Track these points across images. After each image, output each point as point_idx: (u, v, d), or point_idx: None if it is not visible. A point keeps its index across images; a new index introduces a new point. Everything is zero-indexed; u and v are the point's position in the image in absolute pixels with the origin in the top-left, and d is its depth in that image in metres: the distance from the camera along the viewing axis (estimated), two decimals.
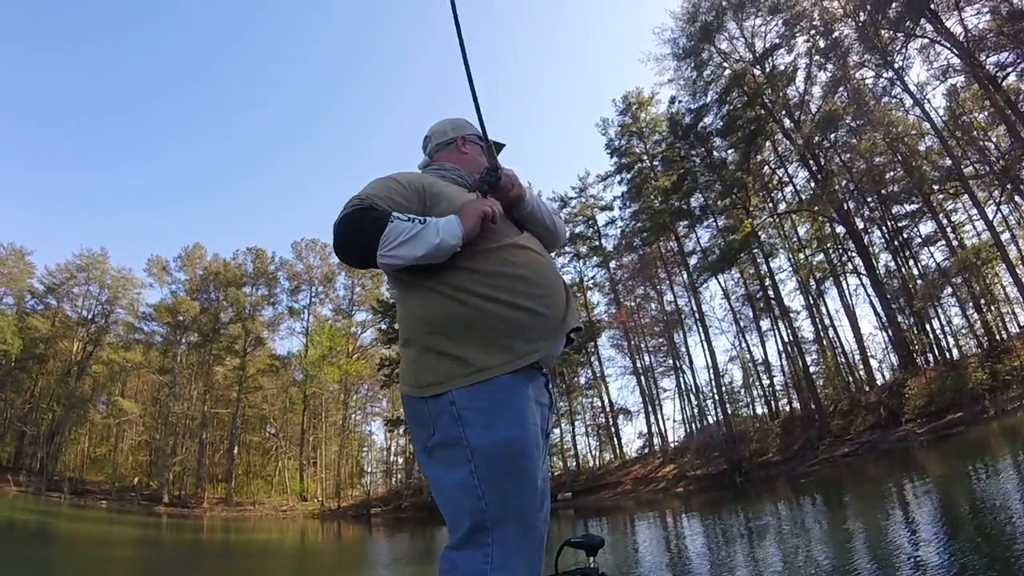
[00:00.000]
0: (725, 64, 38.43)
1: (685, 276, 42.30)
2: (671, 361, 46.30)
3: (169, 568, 16.10)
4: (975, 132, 30.85)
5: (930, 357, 32.81)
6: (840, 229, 36.38)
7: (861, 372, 37.03)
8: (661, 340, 47.43)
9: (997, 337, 30.53)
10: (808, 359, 36.18)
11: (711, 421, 40.87)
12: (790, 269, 39.17)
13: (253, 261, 61.86)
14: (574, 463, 48.37)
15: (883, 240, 36.41)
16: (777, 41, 35.73)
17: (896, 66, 30.15)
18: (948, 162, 29.54)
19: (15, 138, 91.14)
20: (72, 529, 26.46)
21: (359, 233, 1.72)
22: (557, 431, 50.84)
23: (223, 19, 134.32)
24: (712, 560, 9.50)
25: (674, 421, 55.63)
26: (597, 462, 49.40)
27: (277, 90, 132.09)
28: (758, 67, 36.73)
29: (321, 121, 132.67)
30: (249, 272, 61.55)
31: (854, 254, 36.07)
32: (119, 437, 54.37)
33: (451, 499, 1.63)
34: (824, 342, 37.52)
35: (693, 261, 41.84)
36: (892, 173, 33.90)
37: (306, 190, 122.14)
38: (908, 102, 31.04)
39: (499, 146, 2.31)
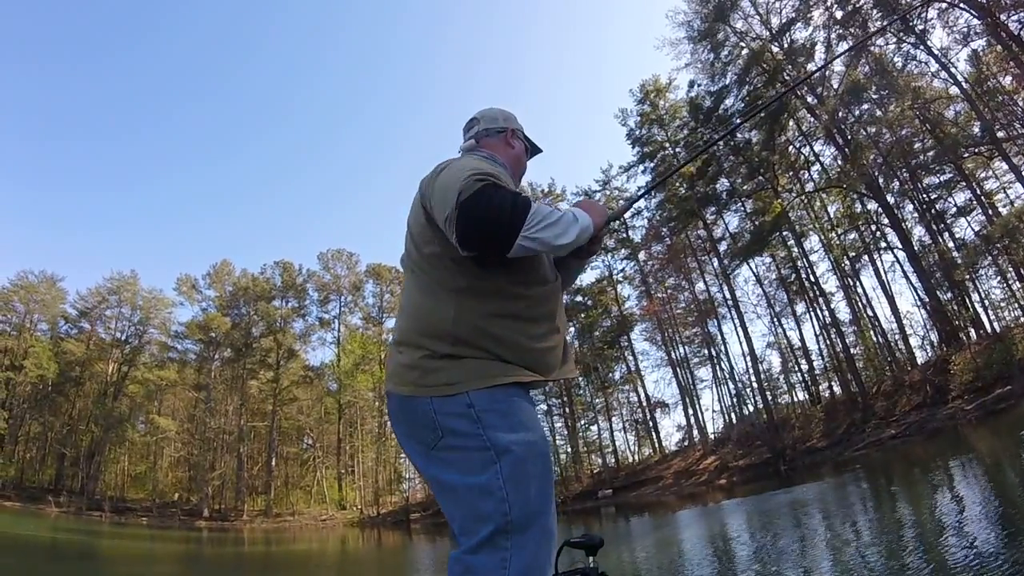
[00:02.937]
0: (742, 43, 37.65)
1: (716, 263, 41.71)
2: (707, 350, 45.72)
3: None
4: (1001, 97, 29.84)
5: (972, 332, 31.81)
6: (872, 205, 35.44)
7: (902, 350, 35.98)
8: (695, 330, 46.88)
9: None
10: (847, 340, 35.31)
11: (751, 409, 40.30)
12: (822, 250, 38.30)
13: (281, 274, 62.42)
14: (613, 459, 47.90)
15: (915, 214, 35.41)
16: (793, 15, 35.04)
17: (918, 29, 29.32)
18: (977, 127, 28.69)
19: (39, 158, 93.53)
20: (112, 546, 26.58)
21: (501, 209, 1.54)
22: (594, 428, 50.60)
23: (239, 36, 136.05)
24: (759, 555, 8.97)
25: (713, 411, 54.75)
26: (636, 458, 48.91)
27: (292, 106, 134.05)
28: (776, 44, 35.96)
29: (337, 136, 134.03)
30: (278, 285, 62.12)
31: (888, 228, 35.09)
32: (158, 454, 55.36)
33: (465, 502, 1.59)
34: (862, 322, 36.60)
35: (723, 247, 41.23)
36: (921, 143, 32.95)
37: (328, 203, 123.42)
38: (933, 67, 30.34)
39: (537, 150, 2.34)
